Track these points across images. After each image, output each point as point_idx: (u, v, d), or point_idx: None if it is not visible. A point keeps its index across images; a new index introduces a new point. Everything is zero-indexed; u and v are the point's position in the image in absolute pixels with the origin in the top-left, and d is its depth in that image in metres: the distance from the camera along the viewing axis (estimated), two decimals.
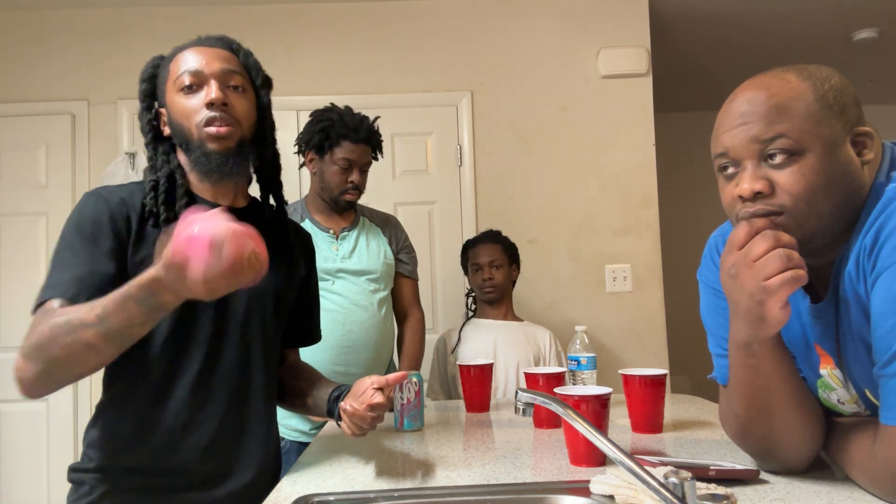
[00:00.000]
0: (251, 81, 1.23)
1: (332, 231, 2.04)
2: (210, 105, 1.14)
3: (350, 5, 3.07)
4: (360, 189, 2.03)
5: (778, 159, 0.85)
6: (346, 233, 2.05)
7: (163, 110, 1.22)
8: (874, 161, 0.88)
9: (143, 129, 1.23)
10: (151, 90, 1.24)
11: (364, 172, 2.04)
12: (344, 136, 1.97)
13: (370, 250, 2.06)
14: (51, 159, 2.98)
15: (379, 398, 1.08)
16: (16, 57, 3.01)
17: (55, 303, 1.01)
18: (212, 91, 1.15)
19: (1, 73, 3.00)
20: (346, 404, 1.12)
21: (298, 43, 3.04)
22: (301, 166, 2.13)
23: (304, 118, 3.05)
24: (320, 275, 1.93)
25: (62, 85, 3.01)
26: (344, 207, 2.05)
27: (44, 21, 3.03)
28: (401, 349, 2.17)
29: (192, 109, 1.16)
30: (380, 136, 2.07)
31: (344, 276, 2.00)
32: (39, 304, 1.03)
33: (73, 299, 1.02)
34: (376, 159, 2.10)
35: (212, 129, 1.15)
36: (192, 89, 1.16)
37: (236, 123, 1.18)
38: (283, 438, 1.89)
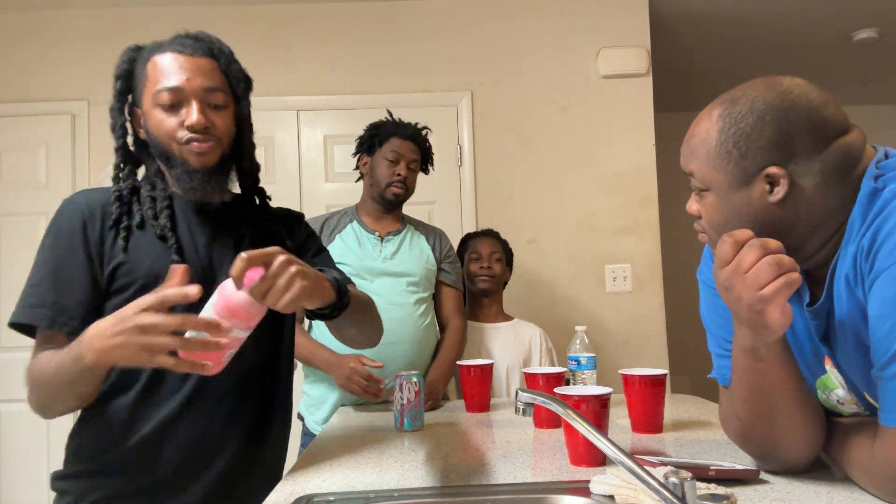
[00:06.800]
0: (232, 90, 1.20)
1: (377, 234, 2.08)
2: (191, 128, 1.13)
3: (350, 5, 3.07)
4: (406, 185, 2.07)
5: (696, 190, 0.97)
6: (391, 237, 2.09)
7: (139, 111, 1.20)
8: (841, 178, 0.87)
9: (115, 131, 1.21)
10: (126, 88, 1.21)
11: (412, 171, 2.09)
12: (392, 132, 2.08)
13: (412, 254, 2.09)
14: (51, 159, 2.98)
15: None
16: (16, 57, 3.01)
17: (45, 332, 1.08)
18: (192, 114, 1.13)
19: (1, 73, 3.00)
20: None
21: (298, 43, 3.04)
22: (357, 180, 2.18)
23: (304, 118, 3.09)
24: (362, 273, 1.98)
25: (62, 85, 3.01)
26: (390, 202, 2.07)
27: (44, 21, 3.02)
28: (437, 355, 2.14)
29: (173, 128, 1.14)
30: (429, 143, 2.16)
31: (384, 276, 2.02)
32: (25, 325, 1.09)
33: (55, 326, 1.08)
34: (425, 170, 2.17)
35: (194, 147, 1.15)
36: (172, 107, 1.14)
37: (218, 141, 1.17)
38: None
